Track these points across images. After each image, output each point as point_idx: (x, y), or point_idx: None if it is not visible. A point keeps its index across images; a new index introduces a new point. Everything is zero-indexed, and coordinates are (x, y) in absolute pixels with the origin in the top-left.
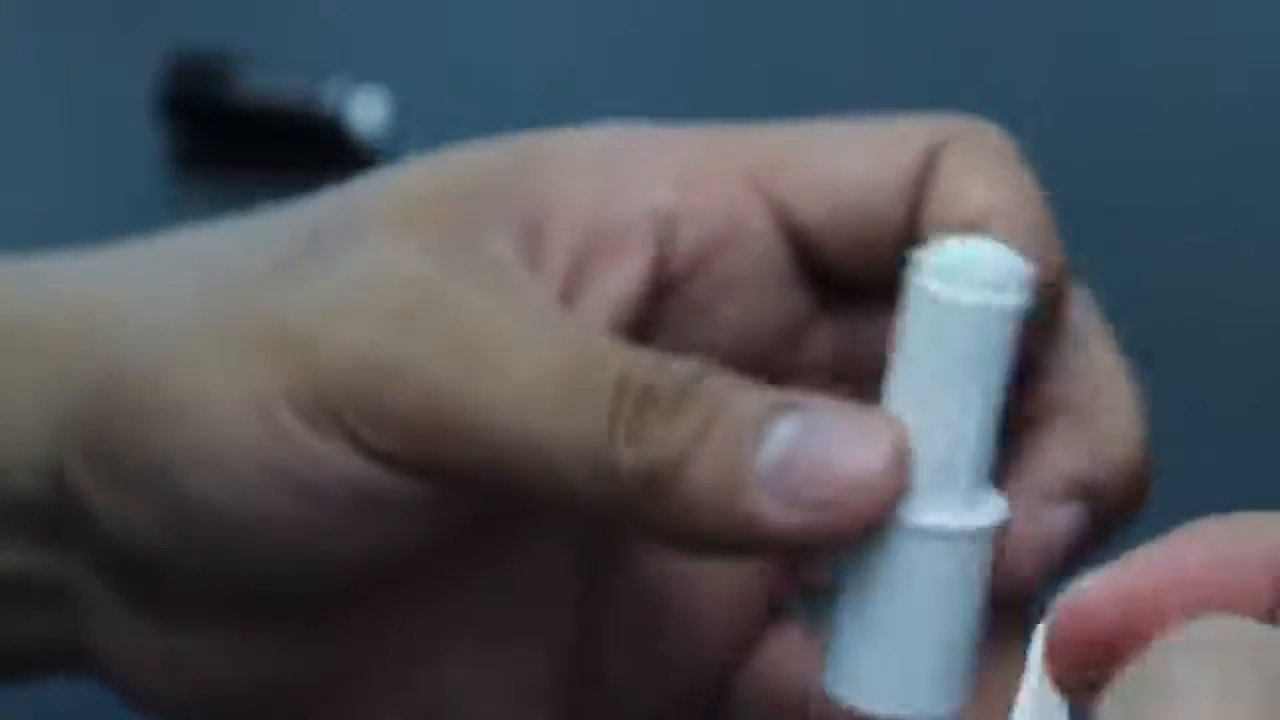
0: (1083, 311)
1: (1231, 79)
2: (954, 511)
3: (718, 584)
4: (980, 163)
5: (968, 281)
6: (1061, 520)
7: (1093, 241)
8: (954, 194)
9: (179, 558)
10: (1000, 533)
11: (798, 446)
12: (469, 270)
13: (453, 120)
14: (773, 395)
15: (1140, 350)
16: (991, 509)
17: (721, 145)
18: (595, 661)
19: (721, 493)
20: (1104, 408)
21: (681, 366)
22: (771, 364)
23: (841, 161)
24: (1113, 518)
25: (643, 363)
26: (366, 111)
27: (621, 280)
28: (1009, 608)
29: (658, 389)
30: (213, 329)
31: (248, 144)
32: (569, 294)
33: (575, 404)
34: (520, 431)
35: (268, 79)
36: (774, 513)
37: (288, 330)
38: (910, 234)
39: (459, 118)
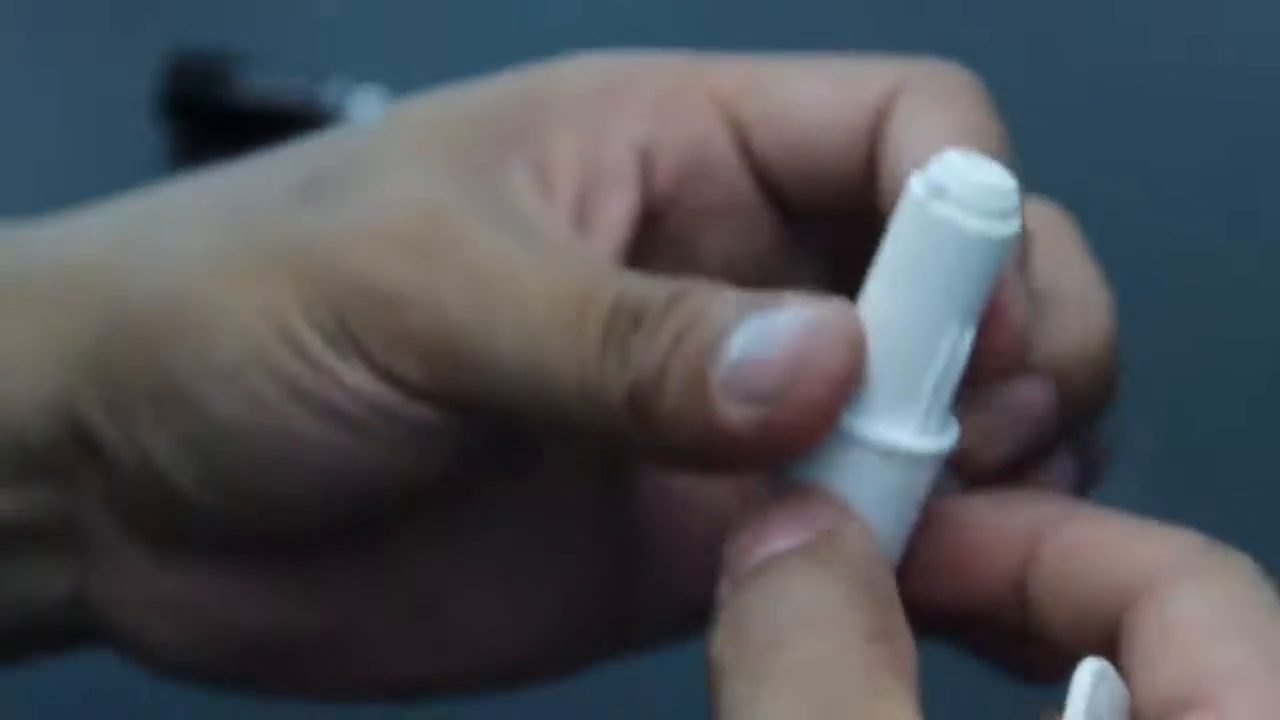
0: (1056, 227)
1: (1230, 78)
2: (911, 432)
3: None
4: (940, 104)
5: (971, 207)
6: (1030, 390)
7: (1089, 238)
8: (910, 134)
9: (197, 491)
10: (946, 459)
11: (754, 344)
12: (486, 202)
13: None
14: (743, 298)
15: (1137, 348)
16: (947, 436)
17: (692, 72)
18: (627, 578)
19: (689, 399)
20: (1077, 304)
21: (668, 284)
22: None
23: (802, 94)
24: (1079, 409)
25: (636, 286)
26: (366, 111)
27: (618, 222)
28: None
29: (647, 310)
30: (231, 249)
31: (248, 144)
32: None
33: (574, 331)
34: (524, 359)
35: (268, 79)
36: (731, 413)
37: (305, 251)
38: (866, 173)
39: None
